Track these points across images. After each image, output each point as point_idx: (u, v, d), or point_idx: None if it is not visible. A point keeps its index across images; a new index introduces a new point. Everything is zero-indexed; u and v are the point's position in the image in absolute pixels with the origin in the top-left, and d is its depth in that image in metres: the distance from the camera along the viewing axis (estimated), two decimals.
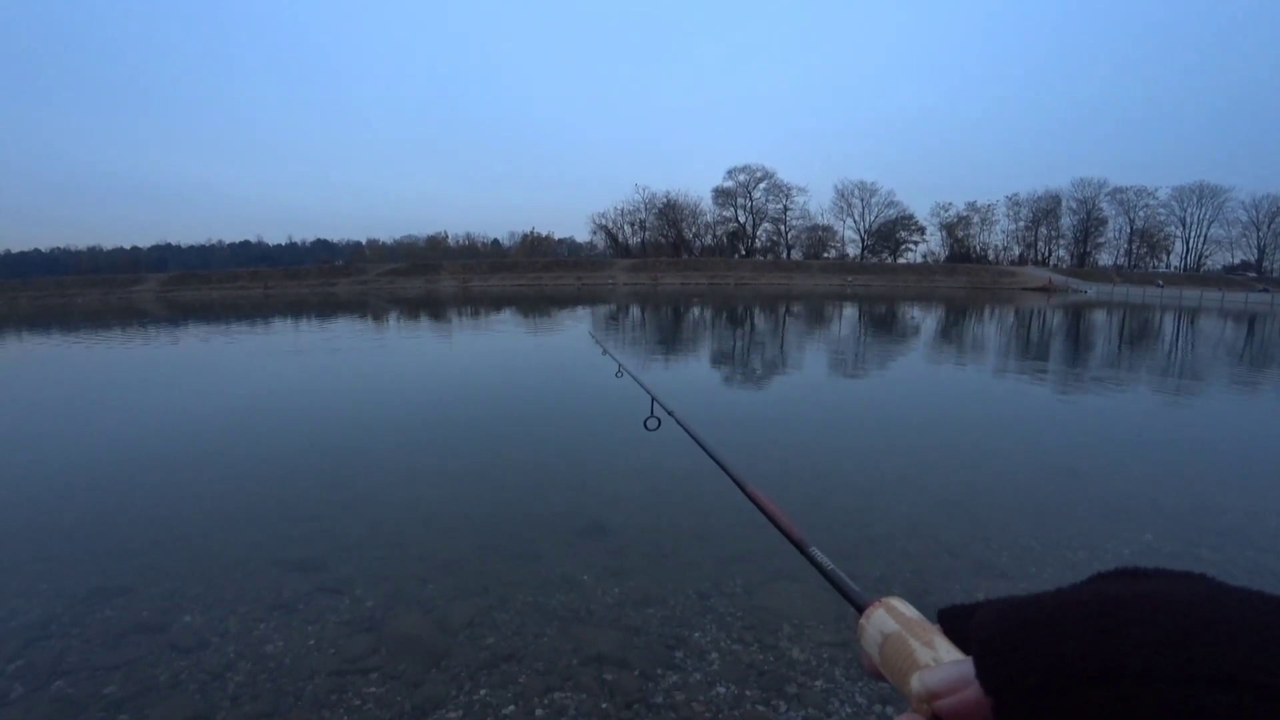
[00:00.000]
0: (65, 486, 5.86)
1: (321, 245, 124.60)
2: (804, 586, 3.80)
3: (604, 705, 2.88)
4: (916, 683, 0.44)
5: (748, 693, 2.96)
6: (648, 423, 1.77)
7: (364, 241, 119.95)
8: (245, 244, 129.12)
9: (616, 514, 5.00)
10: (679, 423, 1.51)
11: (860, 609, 0.57)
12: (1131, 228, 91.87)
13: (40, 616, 3.65)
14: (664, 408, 1.72)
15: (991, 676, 0.39)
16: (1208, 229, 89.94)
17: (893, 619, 0.51)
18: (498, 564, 4.23)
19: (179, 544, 4.60)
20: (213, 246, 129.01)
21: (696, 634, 3.42)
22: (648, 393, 1.86)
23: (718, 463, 1.12)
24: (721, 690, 2.97)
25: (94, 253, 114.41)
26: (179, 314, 33.53)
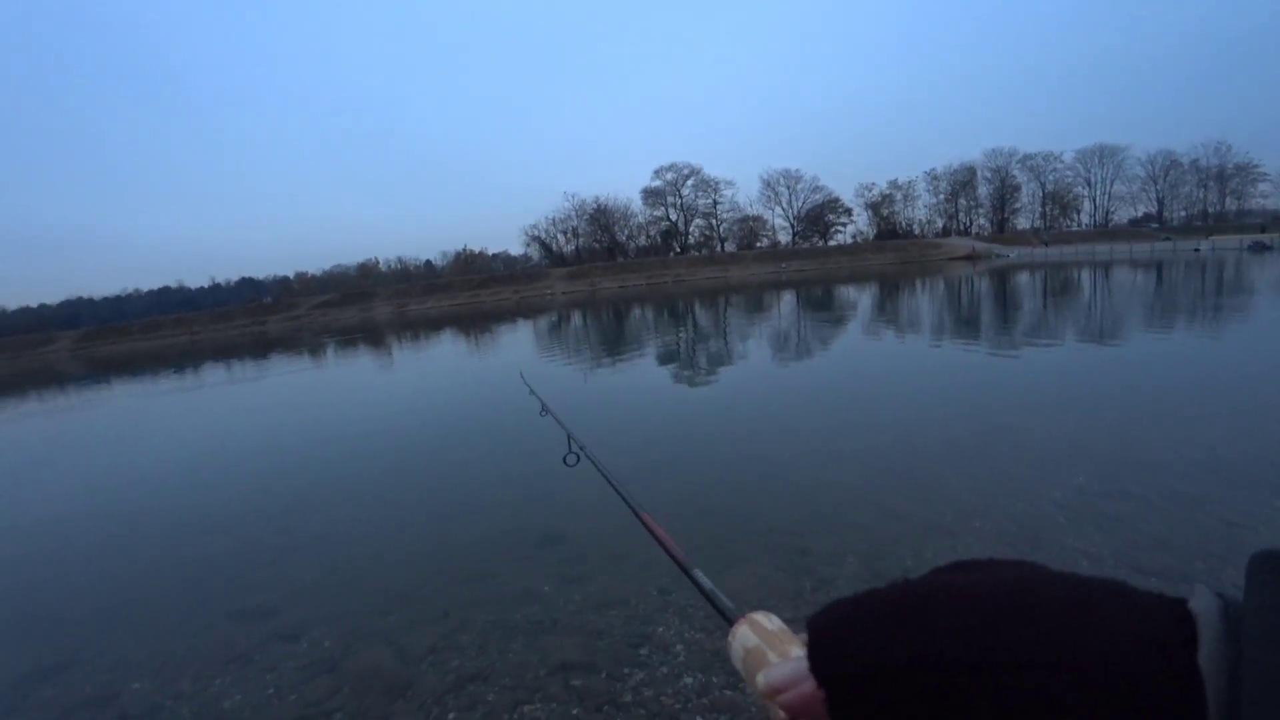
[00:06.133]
0: None
1: (247, 284, 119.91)
2: (761, 570, 3.89)
3: (574, 711, 2.90)
4: (761, 679, 0.48)
5: (714, 679, 3.01)
6: (566, 459, 1.85)
7: (292, 275, 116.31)
8: (165, 290, 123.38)
9: (570, 522, 5.00)
10: (589, 459, 1.61)
11: (731, 625, 0.59)
12: (1043, 191, 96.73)
13: None
14: (578, 444, 1.80)
15: (821, 669, 0.44)
16: (1111, 186, 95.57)
17: (754, 634, 0.54)
18: (456, 587, 4.19)
19: (122, 608, 4.41)
20: (129, 296, 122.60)
21: (660, 629, 3.46)
22: (566, 431, 1.95)
23: (620, 495, 1.22)
24: (689, 680, 3.03)
25: None
26: (98, 370, 31.81)
